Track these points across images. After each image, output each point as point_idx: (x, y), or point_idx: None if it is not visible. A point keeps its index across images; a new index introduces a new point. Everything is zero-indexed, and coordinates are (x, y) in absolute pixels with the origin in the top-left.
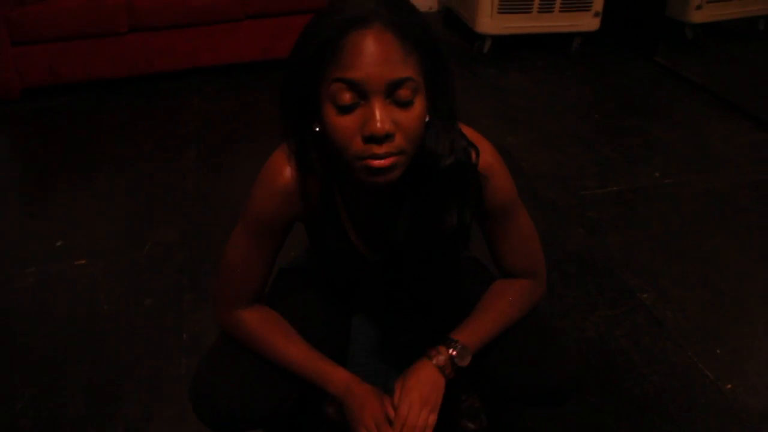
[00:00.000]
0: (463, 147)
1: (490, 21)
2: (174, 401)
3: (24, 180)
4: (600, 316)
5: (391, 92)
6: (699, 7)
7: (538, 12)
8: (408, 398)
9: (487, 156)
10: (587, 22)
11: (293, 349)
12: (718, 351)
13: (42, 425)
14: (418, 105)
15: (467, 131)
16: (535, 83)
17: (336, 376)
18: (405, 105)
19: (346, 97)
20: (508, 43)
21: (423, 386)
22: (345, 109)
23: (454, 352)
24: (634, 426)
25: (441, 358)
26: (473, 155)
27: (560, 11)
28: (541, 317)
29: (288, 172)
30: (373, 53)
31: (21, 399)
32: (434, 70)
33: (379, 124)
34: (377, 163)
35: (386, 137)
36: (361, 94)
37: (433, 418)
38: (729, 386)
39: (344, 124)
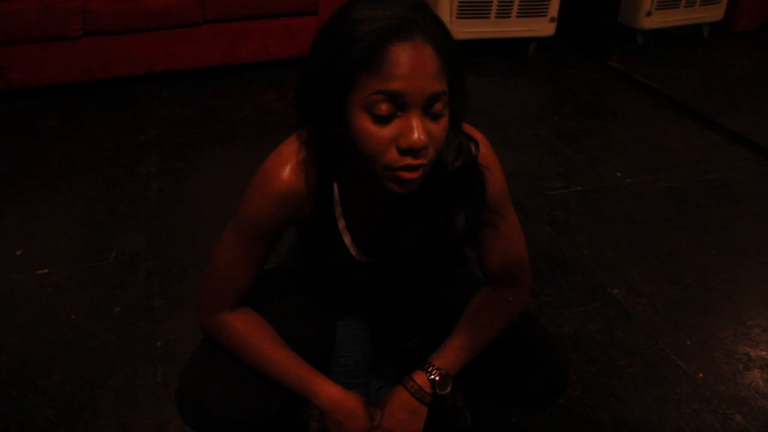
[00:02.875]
0: (468, 146)
1: (448, 26)
2: (151, 410)
3: None
4: (574, 311)
5: (429, 105)
6: (648, 14)
7: (496, 17)
8: (388, 424)
9: (483, 147)
10: (543, 27)
11: (277, 356)
12: (688, 342)
13: None
14: (446, 117)
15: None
16: (494, 87)
17: (322, 388)
18: (437, 117)
19: (384, 108)
20: (466, 48)
21: (402, 413)
22: (381, 120)
23: (436, 378)
24: (613, 416)
25: (419, 386)
26: (473, 149)
27: (517, 16)
28: (528, 318)
29: (286, 174)
30: (416, 66)
31: None
32: (456, 81)
33: (417, 137)
34: (408, 175)
35: (422, 149)
36: (400, 105)
37: None
38: (701, 375)
39: (379, 134)
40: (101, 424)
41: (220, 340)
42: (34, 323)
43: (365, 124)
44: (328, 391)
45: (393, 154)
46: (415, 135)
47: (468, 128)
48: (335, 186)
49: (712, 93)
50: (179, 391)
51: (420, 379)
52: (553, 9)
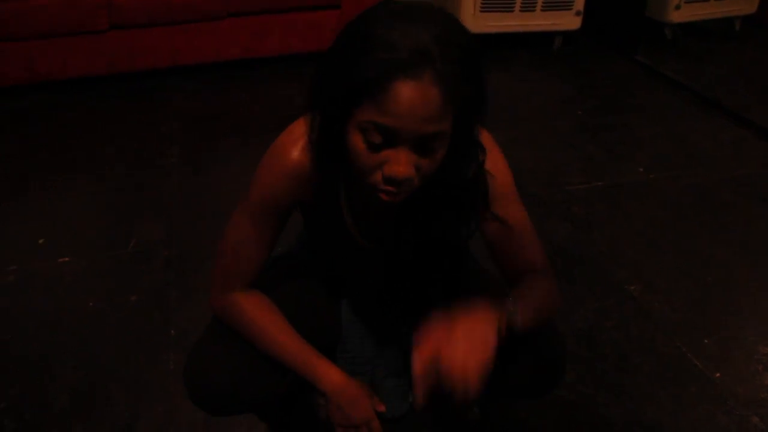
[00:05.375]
0: (476, 155)
1: (472, 20)
2: (163, 398)
3: (4, 178)
4: (589, 308)
5: (421, 144)
6: (677, 7)
7: (520, 11)
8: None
9: (489, 150)
10: (568, 21)
11: (285, 339)
12: (705, 341)
13: (26, 425)
14: (441, 151)
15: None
16: (517, 81)
17: (327, 374)
18: (429, 153)
19: (376, 137)
20: (490, 42)
21: (475, 332)
22: (372, 146)
23: (512, 309)
24: (625, 415)
25: (501, 315)
26: (480, 156)
27: (542, 10)
28: None
29: (296, 152)
30: (414, 107)
31: (4, 399)
32: (470, 107)
33: (400, 171)
34: (390, 197)
35: (405, 181)
36: (391, 139)
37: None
38: (717, 375)
39: (368, 157)
40: (114, 411)
41: (228, 320)
42: (53, 310)
43: (358, 143)
44: (332, 376)
45: (378, 177)
46: (399, 169)
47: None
48: (342, 174)
49: (743, 88)
50: (187, 369)
51: (506, 305)
52: (579, 2)
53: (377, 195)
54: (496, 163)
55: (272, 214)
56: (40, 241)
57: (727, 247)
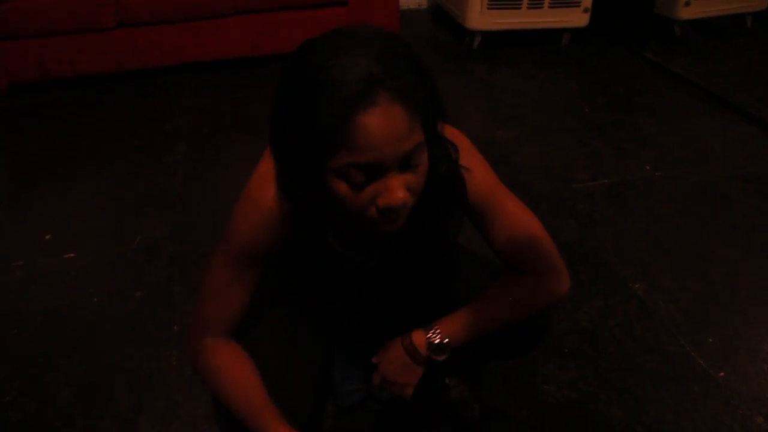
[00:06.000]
0: (448, 154)
1: (479, 17)
2: (165, 393)
3: (12, 174)
4: (593, 306)
5: (405, 162)
6: (687, 4)
7: (528, 8)
8: (383, 369)
9: (462, 147)
10: (576, 18)
11: (247, 395)
12: (710, 340)
13: (31, 417)
14: (425, 160)
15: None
16: (524, 79)
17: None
18: (415, 167)
19: (358, 177)
20: (497, 39)
21: (395, 365)
22: (357, 186)
23: (435, 341)
24: (628, 414)
25: (414, 345)
26: (453, 153)
27: (549, 7)
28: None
29: (270, 199)
30: (385, 134)
31: (9, 392)
32: (431, 109)
33: (397, 198)
34: (391, 226)
35: (403, 206)
36: (376, 173)
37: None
38: (721, 374)
39: (357, 198)
40: (116, 405)
41: (198, 367)
42: (58, 305)
43: (341, 188)
44: None
45: (373, 212)
46: (394, 196)
47: (447, 129)
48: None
49: (754, 86)
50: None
51: (418, 338)
52: (587, 0)
53: (376, 228)
54: (471, 158)
55: (253, 260)
56: (47, 236)
57: (733, 246)
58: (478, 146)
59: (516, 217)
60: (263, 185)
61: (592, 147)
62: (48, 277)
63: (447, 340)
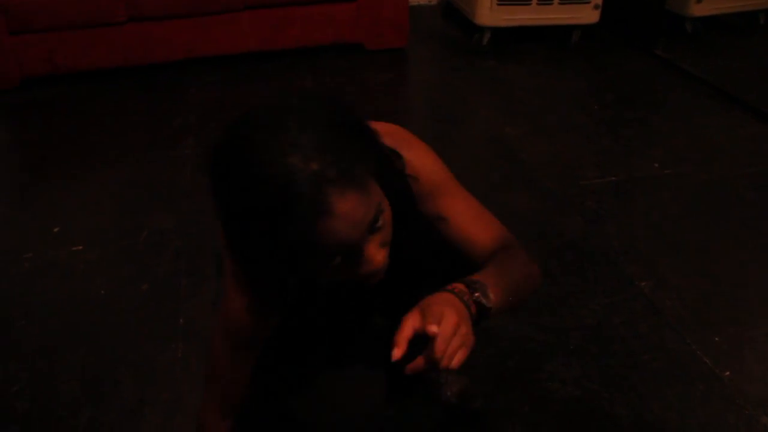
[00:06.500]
0: (396, 170)
1: (489, 13)
2: (169, 385)
3: (22, 167)
4: (599, 303)
5: (372, 229)
6: (699, 1)
7: (538, 4)
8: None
9: (412, 151)
10: (587, 15)
11: None
12: (716, 339)
13: (38, 408)
14: (387, 211)
15: (381, 129)
16: (533, 75)
17: None
18: (382, 224)
19: (337, 260)
20: (507, 36)
21: (449, 305)
22: (337, 267)
23: (477, 294)
24: (631, 412)
25: (463, 291)
26: (398, 164)
27: (560, 3)
28: None
29: (246, 317)
30: (347, 225)
31: (17, 382)
32: (377, 157)
33: (377, 263)
34: (376, 280)
35: (385, 265)
36: (349, 253)
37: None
38: (727, 373)
39: (335, 274)
40: (121, 397)
41: None
42: (65, 297)
43: (320, 274)
44: None
45: (356, 276)
46: (374, 263)
47: (386, 131)
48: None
49: (765, 84)
50: None
51: (456, 287)
52: None
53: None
54: (417, 159)
55: (253, 335)
56: (55, 229)
57: (742, 245)
58: (485, 142)
59: (474, 203)
60: (239, 314)
61: (600, 144)
62: (56, 269)
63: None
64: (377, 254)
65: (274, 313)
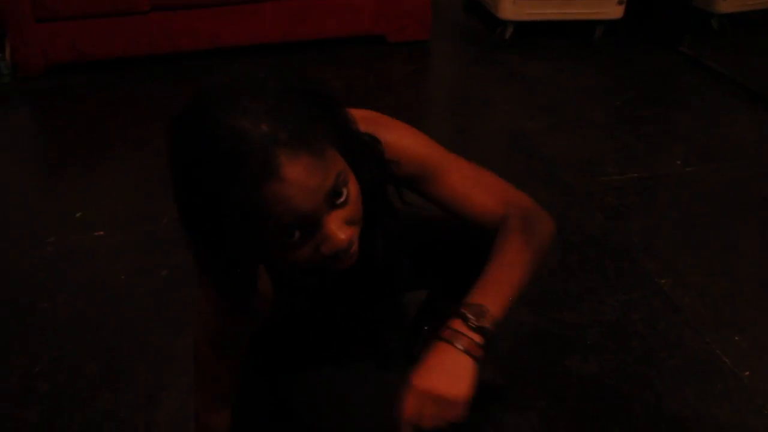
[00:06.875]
0: (372, 153)
1: (512, 7)
2: (187, 371)
3: (46, 153)
4: (617, 299)
5: (332, 200)
6: None
7: None
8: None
9: (391, 133)
10: (611, 10)
11: None
12: (736, 338)
13: (58, 388)
14: (353, 185)
15: (357, 114)
16: (556, 70)
17: None
18: (346, 198)
19: (295, 235)
20: (530, 30)
21: (439, 374)
22: (294, 245)
23: (472, 319)
24: (648, 409)
25: (463, 338)
26: (377, 148)
27: None
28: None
29: (225, 323)
30: (298, 189)
31: (39, 362)
32: (339, 125)
33: (340, 240)
34: (346, 264)
35: (350, 243)
36: (308, 226)
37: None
38: (747, 373)
39: (299, 254)
40: (139, 380)
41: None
42: (86, 281)
43: (279, 253)
44: None
45: (320, 260)
46: (336, 241)
47: (363, 118)
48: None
49: None
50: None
51: (460, 328)
52: None
53: (332, 268)
54: (398, 141)
55: (234, 341)
56: (78, 214)
57: (763, 244)
58: (506, 136)
59: (468, 172)
60: (212, 320)
61: (622, 141)
62: (78, 253)
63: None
64: (340, 231)
65: (245, 314)
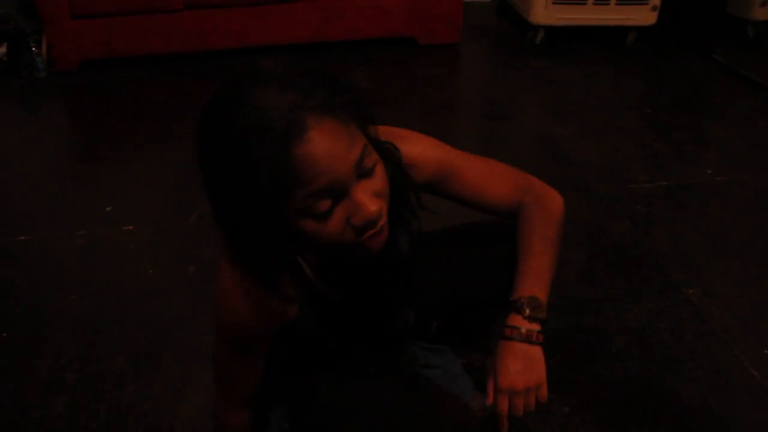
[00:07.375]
0: (391, 156)
1: (544, 11)
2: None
3: (79, 147)
4: (643, 308)
5: (360, 170)
6: (763, 4)
7: (594, 4)
8: (507, 383)
9: (406, 142)
10: (644, 16)
11: None
12: (765, 351)
13: (86, 380)
14: (378, 164)
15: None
16: (587, 76)
17: None
18: (372, 172)
19: (324, 205)
20: (561, 35)
21: (516, 363)
22: (324, 215)
23: (528, 311)
24: (674, 419)
25: (524, 331)
26: (395, 153)
27: (616, 4)
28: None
29: (243, 309)
30: (327, 152)
31: (67, 354)
32: (360, 111)
33: (370, 211)
34: (377, 242)
35: (380, 215)
36: (338, 193)
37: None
38: None
39: (329, 227)
40: (165, 375)
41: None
42: (115, 275)
43: (310, 226)
44: None
45: (351, 236)
46: (367, 209)
47: (384, 130)
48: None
49: None
50: None
51: (513, 320)
52: None
53: (363, 251)
54: (413, 149)
55: (252, 344)
56: (108, 208)
57: None
58: (534, 141)
59: (480, 166)
60: (233, 301)
61: (652, 148)
62: (107, 246)
63: (533, 297)
64: (369, 201)
65: (273, 295)
